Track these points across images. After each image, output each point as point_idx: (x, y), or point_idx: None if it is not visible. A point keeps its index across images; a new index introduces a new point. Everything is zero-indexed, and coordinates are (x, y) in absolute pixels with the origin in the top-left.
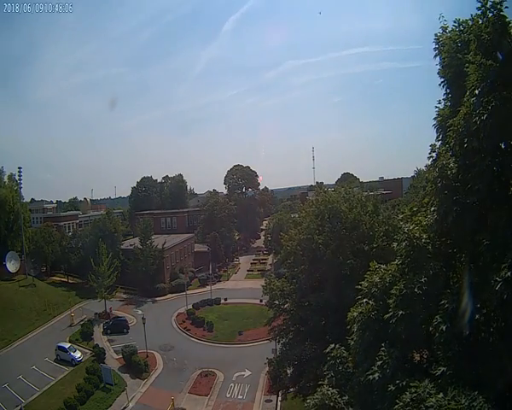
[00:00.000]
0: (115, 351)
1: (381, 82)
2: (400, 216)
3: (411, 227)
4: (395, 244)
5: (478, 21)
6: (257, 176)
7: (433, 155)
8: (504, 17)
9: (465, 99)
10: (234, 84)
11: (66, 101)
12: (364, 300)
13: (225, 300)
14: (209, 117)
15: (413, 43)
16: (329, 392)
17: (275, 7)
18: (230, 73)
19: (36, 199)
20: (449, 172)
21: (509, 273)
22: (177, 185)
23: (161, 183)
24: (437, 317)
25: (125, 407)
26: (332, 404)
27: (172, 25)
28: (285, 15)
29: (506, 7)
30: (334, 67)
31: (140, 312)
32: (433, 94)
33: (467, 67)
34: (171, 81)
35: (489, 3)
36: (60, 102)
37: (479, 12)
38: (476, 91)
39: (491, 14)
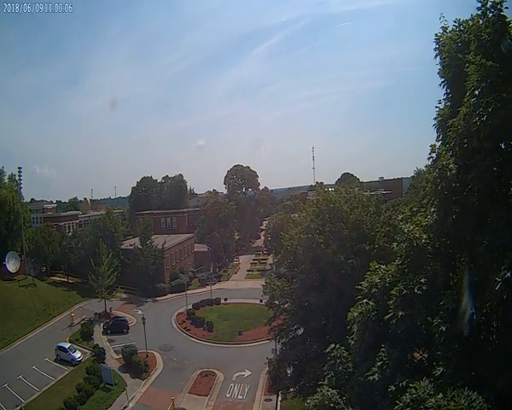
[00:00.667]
0: (115, 351)
1: (382, 93)
2: (400, 216)
3: (411, 227)
4: (395, 245)
5: (478, 21)
6: (257, 176)
7: (433, 155)
8: (504, 17)
9: (465, 99)
10: (243, 99)
11: (83, 108)
12: (364, 300)
13: (225, 300)
14: (216, 126)
15: (413, 65)
16: (329, 393)
17: (290, 44)
18: (242, 91)
19: (36, 199)
20: (448, 173)
21: (508, 274)
22: (177, 185)
23: (161, 183)
24: (437, 317)
25: (125, 407)
26: (332, 405)
27: (202, 61)
28: (295, 48)
29: (506, 7)
30: (334, 85)
31: (140, 312)
32: (433, 97)
33: (467, 67)
34: (190, 99)
35: (489, 3)
36: (75, 109)
37: (479, 12)
38: (476, 92)
39: (491, 15)
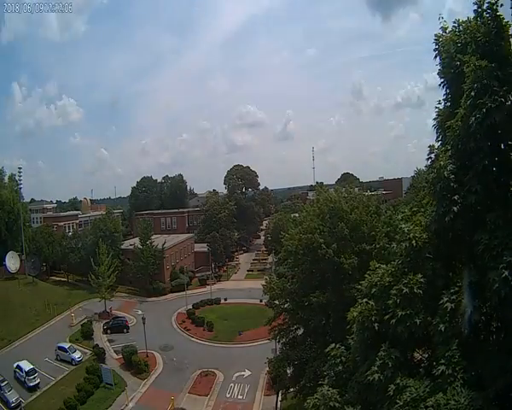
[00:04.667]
0: (115, 351)
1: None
2: (400, 216)
3: (411, 227)
4: (394, 245)
5: (475, 22)
6: (257, 176)
7: (432, 156)
8: (500, 18)
9: (462, 100)
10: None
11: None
12: (364, 300)
13: (225, 300)
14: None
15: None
16: (329, 392)
17: None
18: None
19: (36, 199)
20: (446, 173)
21: (506, 273)
22: (177, 185)
23: (161, 183)
24: (436, 317)
25: (124, 407)
26: (332, 404)
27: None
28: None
29: (501, 4)
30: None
31: (140, 312)
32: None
33: (466, 68)
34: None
35: (485, 4)
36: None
37: (475, 13)
38: (472, 93)
39: (487, 15)
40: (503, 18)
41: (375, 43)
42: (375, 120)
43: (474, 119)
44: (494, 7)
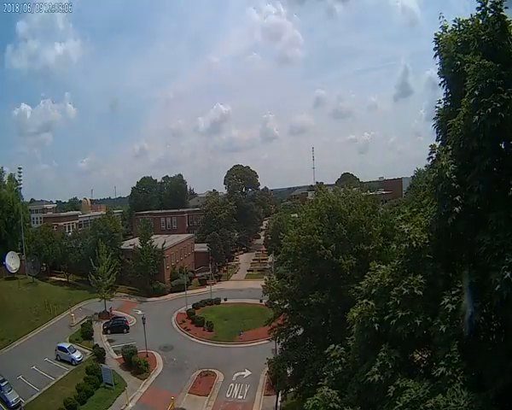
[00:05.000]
0: (115, 351)
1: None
2: (400, 217)
3: (411, 228)
4: (394, 246)
5: (478, 21)
6: (257, 176)
7: (433, 155)
8: (504, 17)
9: (465, 99)
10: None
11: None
12: (364, 300)
13: (225, 300)
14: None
15: None
16: (329, 393)
17: None
18: None
19: (36, 199)
20: (448, 173)
21: (508, 274)
22: (177, 185)
23: (161, 183)
24: (437, 318)
25: (124, 407)
26: (332, 405)
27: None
28: None
29: (506, 7)
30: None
31: (140, 312)
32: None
33: (467, 67)
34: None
35: (489, 3)
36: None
37: (479, 12)
38: (476, 92)
39: (491, 14)
40: (506, 17)
41: (368, 58)
42: (375, 120)
43: (477, 117)
44: (498, 6)
